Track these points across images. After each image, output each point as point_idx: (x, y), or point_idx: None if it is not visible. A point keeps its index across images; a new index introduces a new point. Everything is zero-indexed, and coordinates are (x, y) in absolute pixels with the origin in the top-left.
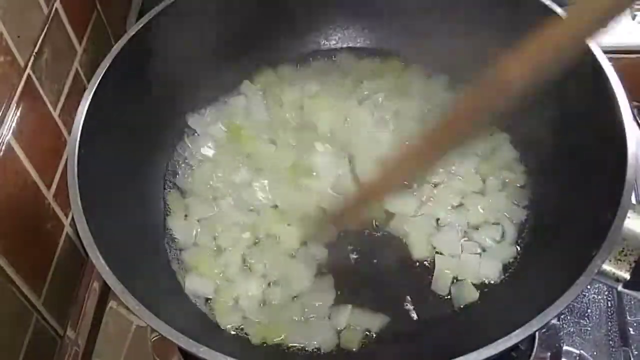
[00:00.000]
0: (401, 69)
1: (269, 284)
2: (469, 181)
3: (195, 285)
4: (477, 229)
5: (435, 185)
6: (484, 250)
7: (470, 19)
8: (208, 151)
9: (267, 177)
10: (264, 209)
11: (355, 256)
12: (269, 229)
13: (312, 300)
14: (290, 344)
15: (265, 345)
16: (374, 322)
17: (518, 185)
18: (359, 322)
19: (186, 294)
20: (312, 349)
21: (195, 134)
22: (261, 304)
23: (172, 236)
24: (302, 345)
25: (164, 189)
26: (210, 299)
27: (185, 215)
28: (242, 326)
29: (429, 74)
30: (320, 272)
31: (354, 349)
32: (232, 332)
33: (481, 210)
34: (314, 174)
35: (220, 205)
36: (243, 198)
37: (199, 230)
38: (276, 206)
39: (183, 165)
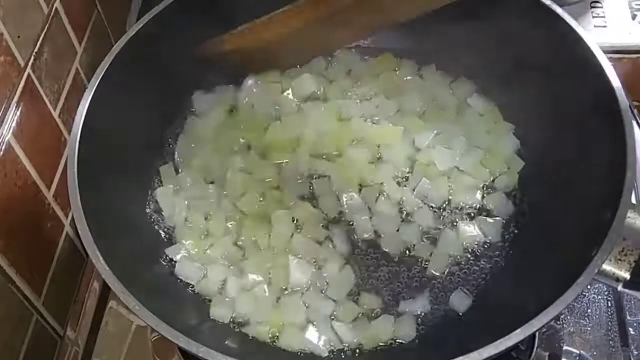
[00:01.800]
0: (395, 65)
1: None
2: (477, 175)
3: (185, 269)
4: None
5: (449, 178)
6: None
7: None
8: (207, 132)
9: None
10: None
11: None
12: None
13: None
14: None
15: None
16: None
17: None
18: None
19: (188, 293)
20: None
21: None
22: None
23: (160, 211)
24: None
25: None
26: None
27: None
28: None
29: (419, 66)
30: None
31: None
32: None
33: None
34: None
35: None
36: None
37: (188, 208)
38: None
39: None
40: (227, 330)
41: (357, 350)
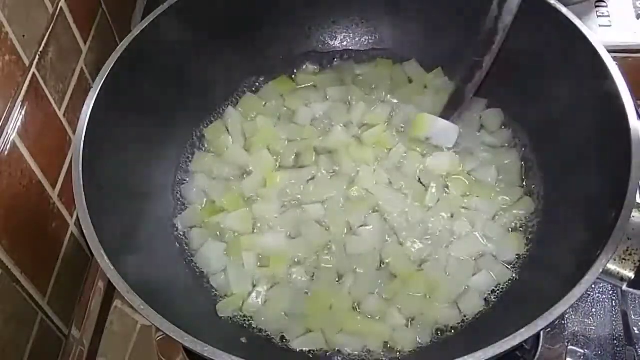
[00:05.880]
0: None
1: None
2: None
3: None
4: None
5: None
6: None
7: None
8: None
9: None
10: None
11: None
12: None
13: None
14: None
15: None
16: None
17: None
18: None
19: (195, 292)
20: None
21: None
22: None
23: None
24: None
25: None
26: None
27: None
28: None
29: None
30: None
31: None
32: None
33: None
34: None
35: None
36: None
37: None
38: None
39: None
40: (235, 329)
41: None
